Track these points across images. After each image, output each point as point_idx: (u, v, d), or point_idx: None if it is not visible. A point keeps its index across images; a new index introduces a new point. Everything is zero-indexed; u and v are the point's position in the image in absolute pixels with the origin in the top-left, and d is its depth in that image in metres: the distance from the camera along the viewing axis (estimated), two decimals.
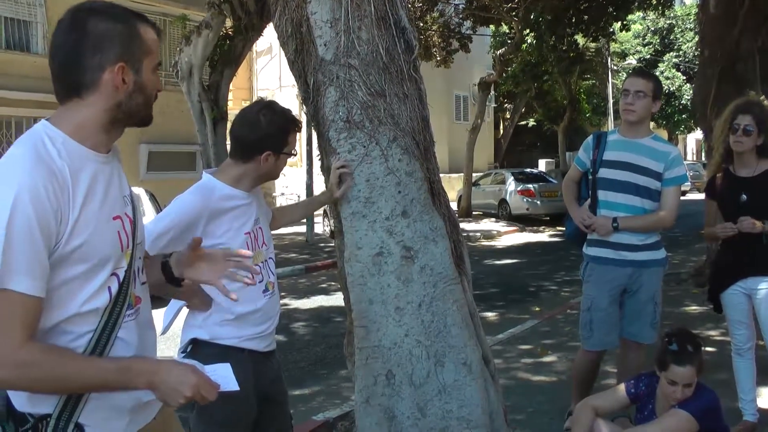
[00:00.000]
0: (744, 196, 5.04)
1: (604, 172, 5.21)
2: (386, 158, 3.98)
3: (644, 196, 5.12)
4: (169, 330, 3.68)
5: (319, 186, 21.88)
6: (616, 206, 5.16)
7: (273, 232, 3.80)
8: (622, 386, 4.50)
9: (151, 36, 2.21)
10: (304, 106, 4.32)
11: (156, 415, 2.39)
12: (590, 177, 5.34)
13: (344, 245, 4.14)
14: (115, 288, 2.16)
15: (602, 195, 5.23)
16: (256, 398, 3.49)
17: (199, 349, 3.37)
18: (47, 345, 2.04)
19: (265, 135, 3.44)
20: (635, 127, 5.20)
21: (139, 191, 13.14)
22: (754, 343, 5.25)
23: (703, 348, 4.28)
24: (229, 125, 19.68)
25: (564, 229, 5.86)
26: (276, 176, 3.65)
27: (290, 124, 3.54)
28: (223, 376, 2.25)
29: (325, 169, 4.23)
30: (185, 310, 3.51)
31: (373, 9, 3.97)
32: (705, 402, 4.13)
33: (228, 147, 15.10)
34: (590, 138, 5.47)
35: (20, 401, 2.10)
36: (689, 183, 40.68)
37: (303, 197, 24.29)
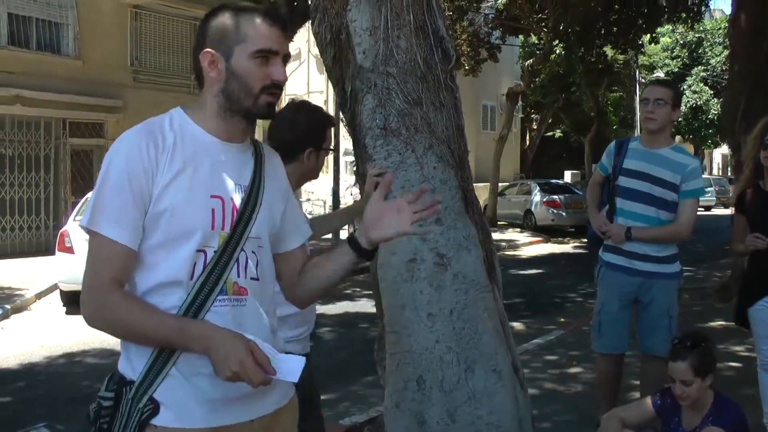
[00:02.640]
0: None
1: (622, 181, 5.27)
2: (421, 166, 4.03)
3: (660, 207, 5.15)
4: None
5: (344, 191, 21.76)
6: (632, 215, 5.21)
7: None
8: (648, 399, 4.52)
9: (253, 25, 2.28)
10: (341, 113, 4.37)
11: (259, 419, 2.34)
12: (611, 183, 5.39)
13: (378, 251, 4.18)
14: (200, 266, 2.21)
15: (620, 203, 5.28)
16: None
17: None
18: (127, 293, 2.19)
19: (304, 132, 3.50)
20: (655, 137, 5.24)
21: None
22: None
23: (710, 349, 4.28)
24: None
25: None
26: (317, 175, 3.69)
27: (326, 119, 3.63)
28: (289, 367, 2.19)
29: (361, 176, 4.28)
30: None
31: (412, 18, 4.02)
32: (734, 416, 4.15)
33: None
34: (612, 144, 5.54)
35: (121, 362, 2.26)
36: (714, 198, 40.46)
37: (329, 203, 24.37)
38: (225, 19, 2.30)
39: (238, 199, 2.29)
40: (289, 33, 2.41)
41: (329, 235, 12.89)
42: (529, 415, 4.29)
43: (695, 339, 4.25)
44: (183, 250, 2.18)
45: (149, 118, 2.28)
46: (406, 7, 4.02)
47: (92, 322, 2.19)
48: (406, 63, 4.03)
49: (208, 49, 2.27)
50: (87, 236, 2.20)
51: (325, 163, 22.52)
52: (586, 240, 5.69)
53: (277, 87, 2.31)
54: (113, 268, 2.14)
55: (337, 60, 4.22)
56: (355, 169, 4.51)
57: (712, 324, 9.54)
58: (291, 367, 2.20)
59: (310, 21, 4.45)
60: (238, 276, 2.27)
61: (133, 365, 2.20)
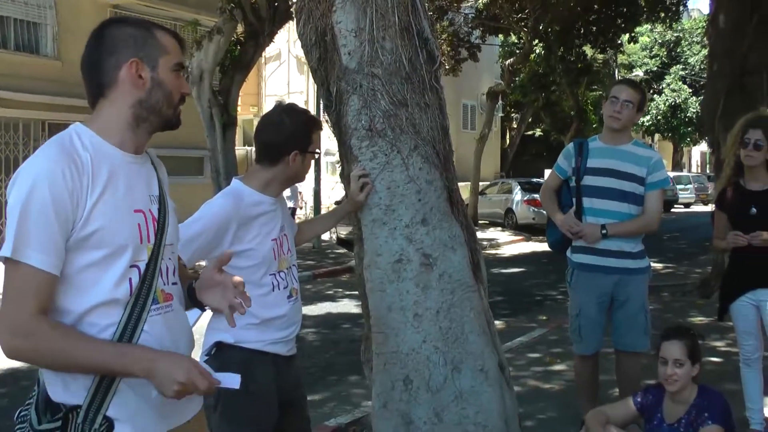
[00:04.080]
0: (754, 209, 5.10)
1: (588, 180, 5.27)
2: (407, 166, 4.04)
3: (631, 202, 5.19)
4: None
5: (326, 192, 21.81)
6: (602, 213, 5.23)
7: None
8: (629, 399, 4.57)
9: (168, 39, 2.36)
10: (326, 114, 4.38)
11: (191, 420, 2.44)
12: (573, 184, 5.40)
13: (364, 252, 4.20)
14: (136, 280, 2.24)
15: (587, 202, 5.29)
16: (279, 402, 3.54)
17: (223, 352, 3.41)
18: (56, 321, 2.14)
19: (291, 134, 3.50)
20: (618, 135, 5.28)
21: None
22: (762, 354, 5.30)
23: (699, 340, 4.38)
24: (238, 130, 19.73)
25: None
26: (302, 177, 3.69)
27: (312, 122, 3.62)
28: (229, 379, 2.28)
29: (346, 177, 4.29)
30: (208, 313, 3.56)
31: (397, 19, 4.03)
32: (720, 406, 4.23)
33: (237, 152, 15.06)
34: (571, 145, 5.53)
35: (56, 391, 2.18)
36: (694, 195, 40.74)
37: (310, 204, 24.35)
38: (142, 30, 2.33)
39: (155, 209, 2.36)
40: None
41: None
42: (516, 414, 4.32)
43: (686, 327, 4.42)
44: (116, 268, 2.20)
45: (55, 139, 2.22)
46: (391, 8, 4.03)
47: (18, 353, 2.12)
48: (392, 64, 4.04)
49: (135, 59, 2.27)
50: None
51: None
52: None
53: (184, 99, 2.41)
54: (41, 297, 2.10)
55: (322, 61, 4.22)
56: (340, 170, 4.52)
57: (693, 320, 9.60)
58: (231, 379, 2.29)
59: (295, 22, 4.46)
60: (164, 284, 2.35)
61: (72, 390, 2.17)
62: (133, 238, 2.24)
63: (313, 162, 3.82)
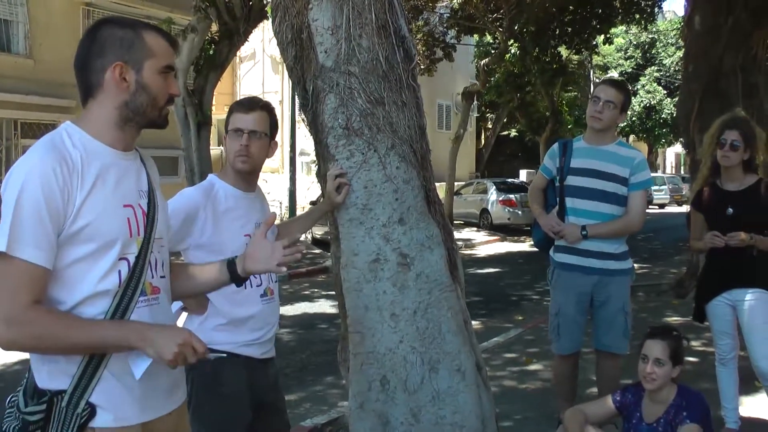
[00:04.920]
0: (730, 210, 5.12)
1: (571, 180, 5.28)
2: (384, 166, 4.00)
3: (613, 202, 5.19)
4: None
5: (301, 192, 21.74)
6: (584, 213, 5.23)
7: None
8: (608, 397, 4.57)
9: (157, 41, 2.42)
10: (302, 113, 4.34)
11: (172, 412, 2.51)
12: (557, 184, 5.40)
13: (341, 251, 4.16)
14: (125, 272, 2.33)
15: (570, 202, 5.29)
16: (252, 405, 3.49)
17: None
18: (50, 307, 2.23)
19: None
20: (600, 135, 5.28)
21: None
22: (737, 353, 5.32)
23: (683, 342, 4.40)
24: (212, 130, 19.64)
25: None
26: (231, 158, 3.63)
27: (233, 105, 3.73)
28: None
29: (322, 176, 4.25)
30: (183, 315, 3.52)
31: (374, 17, 4.00)
32: (698, 405, 4.24)
33: (211, 152, 14.96)
34: (555, 146, 5.53)
35: (41, 377, 2.28)
36: (668, 196, 41.02)
37: (285, 204, 24.26)
38: (128, 32, 2.39)
39: (144, 204, 2.45)
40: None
41: None
42: (493, 414, 4.30)
43: (671, 328, 4.44)
44: (105, 261, 2.29)
45: (46, 138, 2.30)
46: (368, 6, 3.99)
47: (15, 344, 2.21)
48: (369, 62, 4.00)
49: (119, 62, 2.34)
50: None
51: (281, 163, 22.44)
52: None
53: (173, 100, 2.50)
54: (35, 289, 2.18)
55: (298, 59, 4.18)
56: (316, 169, 4.48)
57: (668, 320, 9.65)
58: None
59: (271, 19, 4.41)
60: (152, 277, 2.45)
61: (58, 377, 2.26)
62: (122, 232, 2.32)
63: (287, 161, 3.80)
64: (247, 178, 3.58)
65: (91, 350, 2.25)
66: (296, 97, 4.48)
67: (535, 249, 5.90)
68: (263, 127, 3.53)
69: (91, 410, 2.25)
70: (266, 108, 3.60)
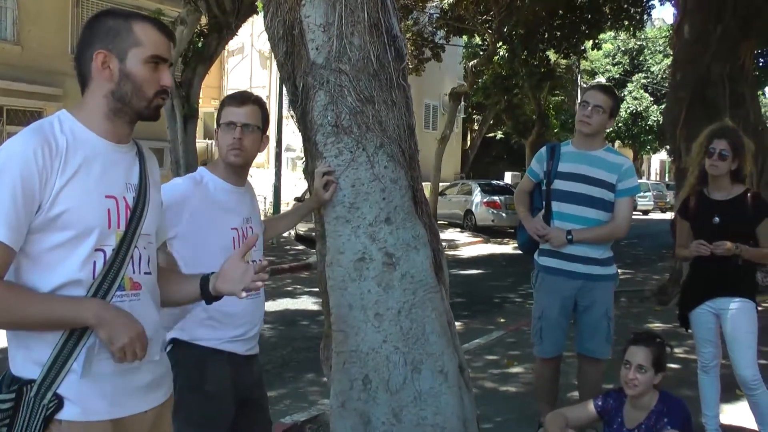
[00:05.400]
0: (717, 219, 5.14)
1: (558, 184, 5.27)
2: (372, 164, 4.00)
3: (599, 208, 5.19)
4: None
5: (287, 188, 21.67)
6: (570, 218, 5.22)
7: None
8: (590, 402, 4.58)
9: (147, 31, 2.40)
10: (292, 109, 4.32)
11: (149, 411, 2.48)
12: (544, 188, 5.40)
13: (326, 249, 4.15)
14: (100, 264, 2.31)
15: (556, 206, 5.28)
16: (235, 401, 3.47)
17: (178, 350, 3.34)
18: (9, 282, 2.22)
19: None
20: (589, 140, 5.28)
21: None
22: (719, 361, 5.34)
23: (667, 349, 4.41)
24: (199, 123, 19.51)
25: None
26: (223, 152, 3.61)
27: (225, 99, 3.67)
28: None
29: (310, 173, 4.23)
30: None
31: (366, 15, 3.99)
32: (680, 411, 4.26)
33: (197, 145, 14.89)
34: (543, 149, 5.53)
35: (15, 365, 2.28)
36: (652, 203, 41.19)
37: (269, 199, 24.20)
38: (118, 22, 2.39)
39: (130, 198, 2.42)
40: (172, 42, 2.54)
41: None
42: (474, 416, 4.30)
43: (655, 335, 4.48)
44: (81, 250, 2.27)
45: (36, 122, 2.31)
46: (360, 4, 3.98)
47: None
48: (359, 60, 3.99)
49: (102, 50, 2.35)
50: None
51: (266, 159, 22.39)
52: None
53: (165, 92, 2.46)
54: None
55: (289, 55, 4.16)
56: (304, 166, 4.46)
57: (651, 326, 9.68)
58: None
59: (263, 14, 4.40)
60: (134, 272, 2.41)
61: (29, 366, 2.25)
62: (100, 222, 2.30)
63: (273, 157, 3.80)
64: (238, 171, 3.56)
65: (46, 325, 2.23)
66: (284, 93, 4.47)
67: (519, 252, 5.90)
68: (256, 120, 3.51)
69: (59, 402, 2.22)
70: (258, 102, 3.57)
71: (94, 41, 2.36)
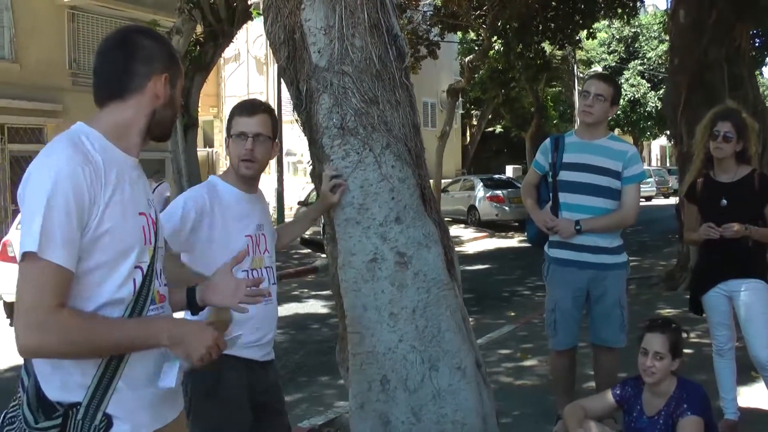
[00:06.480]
0: (724, 201, 5.14)
1: (564, 175, 5.27)
2: (380, 165, 4.01)
3: (606, 197, 5.19)
4: None
5: (288, 192, 21.63)
6: (577, 208, 5.22)
7: None
8: (608, 391, 4.57)
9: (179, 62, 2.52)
10: (296, 113, 4.33)
11: (171, 422, 2.49)
12: (550, 180, 5.40)
13: (338, 252, 4.16)
14: (139, 280, 2.32)
15: (563, 197, 5.29)
16: (252, 407, 3.49)
17: None
18: (76, 310, 2.18)
19: None
20: (592, 129, 5.28)
21: None
22: (734, 344, 5.34)
23: (683, 334, 4.39)
24: (199, 132, 19.49)
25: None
26: (235, 163, 3.60)
27: (234, 108, 3.67)
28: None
29: (317, 176, 4.24)
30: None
31: (366, 16, 4.00)
32: (698, 396, 4.24)
33: (198, 154, 14.87)
34: (548, 141, 5.52)
35: (52, 390, 2.22)
36: (655, 188, 41.14)
37: (272, 204, 24.23)
38: (172, 49, 2.50)
39: (153, 212, 2.45)
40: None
41: None
42: (493, 411, 4.31)
43: (671, 321, 4.43)
44: (123, 269, 2.27)
45: (64, 138, 2.27)
46: (360, 5, 4.00)
47: (42, 350, 2.15)
48: (362, 61, 4.01)
49: (167, 74, 2.41)
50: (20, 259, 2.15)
51: (268, 164, 22.39)
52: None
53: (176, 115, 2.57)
54: (60, 292, 2.14)
55: (291, 60, 4.17)
56: (311, 169, 4.47)
57: (661, 312, 9.67)
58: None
59: (263, 20, 4.40)
60: (159, 285, 2.44)
61: (72, 389, 2.22)
62: (138, 239, 2.32)
63: (274, 162, 3.82)
64: (249, 180, 3.57)
65: (117, 351, 2.23)
66: (283, 98, 4.46)
67: (525, 245, 5.93)
68: (266, 129, 3.52)
69: (108, 421, 2.22)
70: (268, 110, 3.59)
71: (153, 60, 2.38)
